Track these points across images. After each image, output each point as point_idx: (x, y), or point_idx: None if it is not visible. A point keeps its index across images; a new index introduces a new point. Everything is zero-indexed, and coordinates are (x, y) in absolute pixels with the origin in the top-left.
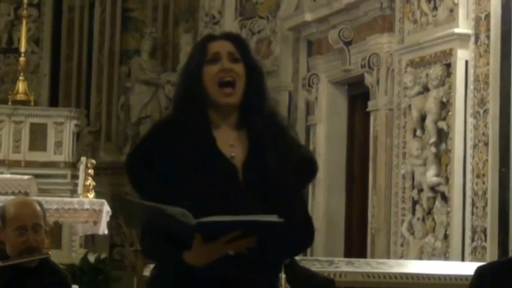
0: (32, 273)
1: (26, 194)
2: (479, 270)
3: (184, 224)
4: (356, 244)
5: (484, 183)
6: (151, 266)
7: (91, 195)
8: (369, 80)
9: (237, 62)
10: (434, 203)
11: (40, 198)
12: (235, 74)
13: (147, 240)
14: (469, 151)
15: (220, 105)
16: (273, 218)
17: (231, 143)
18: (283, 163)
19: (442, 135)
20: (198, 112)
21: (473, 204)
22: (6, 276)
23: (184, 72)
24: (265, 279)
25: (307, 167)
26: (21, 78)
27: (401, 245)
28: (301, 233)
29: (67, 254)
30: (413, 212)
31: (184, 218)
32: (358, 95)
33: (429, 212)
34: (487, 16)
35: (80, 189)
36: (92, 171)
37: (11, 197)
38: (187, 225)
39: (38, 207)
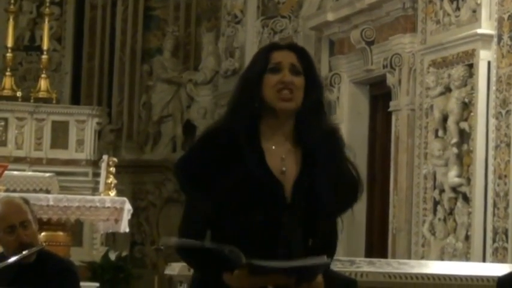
0: (33, 268)
1: (48, 191)
2: (500, 281)
3: (234, 261)
4: (377, 244)
5: (505, 184)
6: (173, 264)
7: (112, 193)
8: (390, 80)
9: (298, 75)
10: (455, 203)
11: (61, 196)
12: (294, 86)
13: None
14: (491, 152)
15: (278, 111)
16: (323, 260)
17: (282, 157)
18: (334, 185)
19: (464, 136)
20: (250, 122)
21: (494, 205)
22: (9, 276)
23: (244, 78)
24: None
25: (352, 192)
26: (43, 76)
27: (423, 246)
28: (329, 254)
29: (88, 252)
30: (435, 213)
31: (233, 255)
32: (380, 95)
33: (450, 212)
34: (510, 17)
35: (101, 187)
36: (114, 169)
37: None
38: (237, 262)
39: (23, 203)
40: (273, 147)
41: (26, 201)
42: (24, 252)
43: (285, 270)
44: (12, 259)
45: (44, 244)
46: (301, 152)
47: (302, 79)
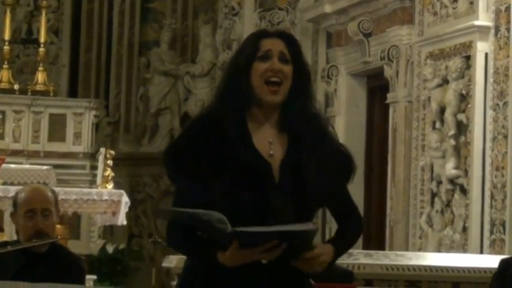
0: (43, 258)
1: (45, 184)
2: (502, 263)
3: (220, 231)
4: (374, 236)
5: (503, 175)
6: (170, 257)
7: (110, 185)
8: (388, 72)
9: (287, 63)
10: (453, 195)
11: (59, 189)
12: (282, 75)
13: (176, 233)
14: (488, 144)
15: (264, 103)
16: (308, 227)
17: (270, 141)
18: (323, 166)
19: (462, 128)
20: (237, 107)
21: (492, 196)
22: (18, 262)
23: (232, 65)
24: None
25: (345, 167)
26: (40, 68)
27: (420, 238)
28: (356, 227)
29: (85, 245)
30: (432, 205)
31: (220, 225)
32: (377, 87)
33: (448, 204)
34: (507, 8)
35: (98, 180)
36: (111, 162)
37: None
38: (223, 232)
39: (49, 193)
40: (261, 132)
41: (53, 191)
42: (34, 240)
43: (270, 237)
44: (24, 245)
45: (59, 237)
46: (288, 137)
47: (290, 67)
